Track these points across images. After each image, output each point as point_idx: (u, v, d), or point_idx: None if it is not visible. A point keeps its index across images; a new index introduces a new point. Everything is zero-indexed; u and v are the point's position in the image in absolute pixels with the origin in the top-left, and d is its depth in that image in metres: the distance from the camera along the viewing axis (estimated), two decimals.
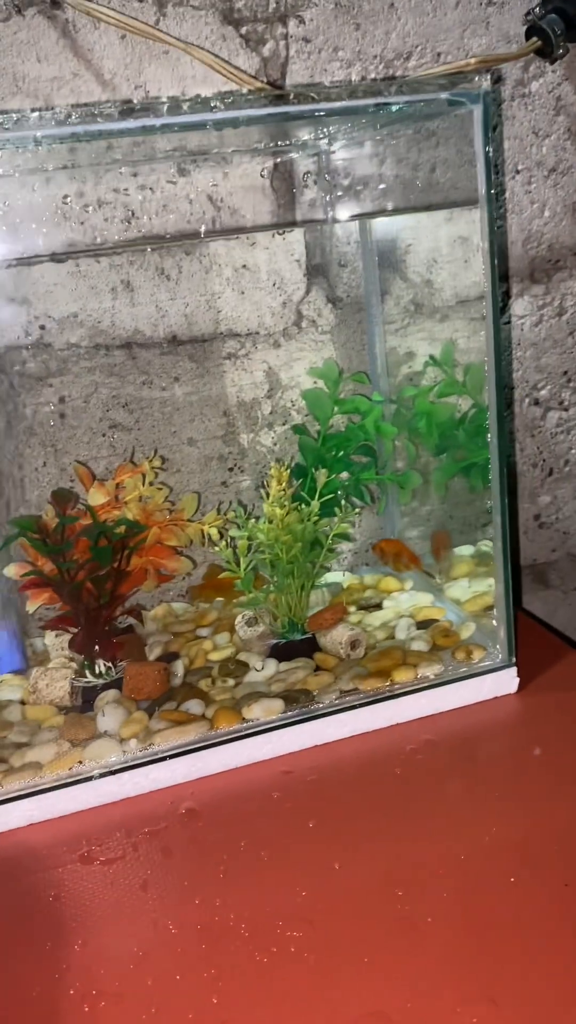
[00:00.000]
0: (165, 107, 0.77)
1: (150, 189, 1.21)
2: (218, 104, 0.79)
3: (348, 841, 0.84)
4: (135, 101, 1.10)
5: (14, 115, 0.76)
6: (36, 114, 0.74)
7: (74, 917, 0.79)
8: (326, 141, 1.24)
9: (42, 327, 1.20)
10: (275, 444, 1.32)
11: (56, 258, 1.18)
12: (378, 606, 1.20)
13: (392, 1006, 0.66)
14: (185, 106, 0.78)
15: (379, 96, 0.90)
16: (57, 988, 0.71)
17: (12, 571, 1.07)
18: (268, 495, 1.05)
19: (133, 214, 1.22)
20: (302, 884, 0.79)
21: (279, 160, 1.26)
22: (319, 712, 0.99)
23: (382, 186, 1.30)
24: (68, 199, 1.15)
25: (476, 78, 0.93)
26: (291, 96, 0.84)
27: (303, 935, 0.74)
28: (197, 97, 0.81)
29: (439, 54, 1.29)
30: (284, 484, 1.04)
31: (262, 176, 1.25)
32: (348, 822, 0.87)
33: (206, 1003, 0.68)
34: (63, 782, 0.92)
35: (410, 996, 0.67)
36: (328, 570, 1.21)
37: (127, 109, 0.78)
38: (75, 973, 0.73)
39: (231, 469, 1.32)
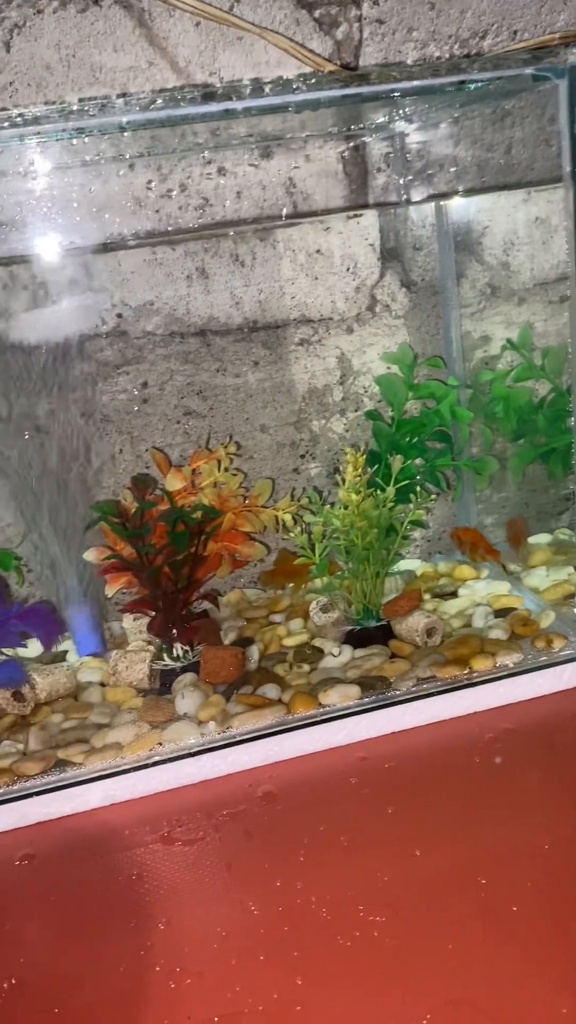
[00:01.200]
0: (248, 89, 0.77)
1: (224, 176, 1.21)
2: (300, 85, 0.78)
3: (428, 828, 0.84)
4: (217, 85, 1.10)
5: (99, 101, 0.76)
6: (121, 100, 0.75)
7: (157, 896, 0.80)
8: (401, 123, 1.22)
9: (119, 315, 1.21)
10: (347, 431, 1.32)
11: (133, 244, 1.19)
12: (453, 594, 1.19)
13: (477, 994, 0.66)
14: (267, 88, 0.78)
15: (460, 73, 0.89)
16: (143, 964, 0.72)
17: (92, 555, 1.09)
18: (344, 481, 1.04)
19: (207, 201, 1.23)
20: (383, 869, 0.79)
21: (352, 144, 1.25)
22: (396, 699, 0.98)
23: (457, 168, 1.28)
24: (151, 183, 1.16)
25: (561, 52, 0.90)
26: (372, 76, 0.83)
27: (385, 920, 0.73)
28: (279, 79, 0.81)
29: (515, 32, 1.26)
30: (360, 470, 1.03)
31: (336, 161, 1.24)
32: (427, 809, 0.86)
33: (290, 984, 0.68)
34: (143, 763, 0.93)
35: (495, 985, 0.66)
36: (403, 557, 1.20)
37: (208, 93, 0.78)
38: (159, 951, 0.74)
39: (303, 456, 1.32)
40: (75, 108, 0.74)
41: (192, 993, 0.69)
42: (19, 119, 0.71)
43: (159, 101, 0.77)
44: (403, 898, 0.76)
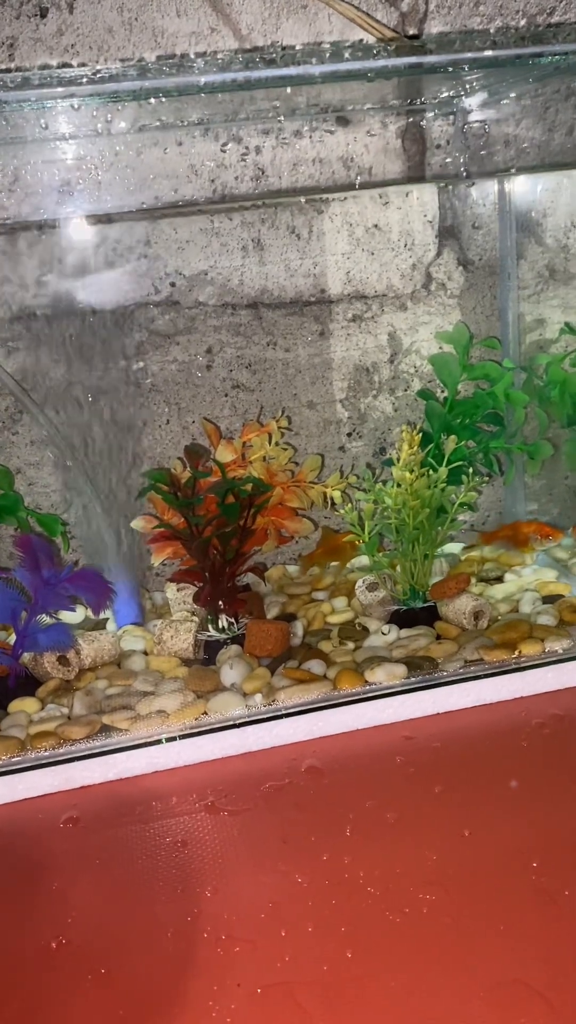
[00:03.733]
0: (328, 53, 0.76)
1: (280, 147, 1.20)
2: (381, 50, 0.77)
3: (476, 809, 0.83)
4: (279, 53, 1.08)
5: (177, 60, 0.75)
6: (201, 60, 0.73)
7: (203, 863, 0.80)
8: (464, 98, 1.20)
9: (172, 284, 1.20)
10: (395, 410, 1.30)
11: (187, 211, 1.18)
12: (499, 579, 1.18)
13: (531, 976, 0.65)
14: (347, 53, 0.77)
15: (540, 44, 0.87)
16: (190, 931, 0.72)
17: (140, 524, 1.08)
18: (397, 459, 1.03)
19: (263, 172, 1.21)
20: (431, 848, 0.78)
21: (412, 119, 1.23)
22: (443, 680, 0.98)
23: (521, 146, 1.26)
24: (226, 147, 1.15)
25: None
26: (456, 44, 0.81)
27: (435, 899, 0.73)
28: (359, 42, 0.79)
29: None
30: (415, 448, 1.02)
31: (395, 135, 1.22)
32: (475, 790, 0.86)
33: (340, 956, 0.68)
34: (188, 732, 0.93)
35: (549, 968, 0.66)
36: (452, 539, 1.19)
37: (287, 56, 0.77)
38: (207, 918, 0.74)
39: (349, 434, 1.31)
40: (151, 66, 0.73)
41: (241, 961, 0.69)
42: (97, 76, 0.70)
43: (237, 63, 0.75)
44: (453, 877, 0.75)
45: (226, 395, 1.26)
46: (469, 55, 0.81)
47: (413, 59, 0.79)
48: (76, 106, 0.78)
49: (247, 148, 1.19)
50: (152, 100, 0.76)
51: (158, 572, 1.29)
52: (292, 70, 0.76)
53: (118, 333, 1.20)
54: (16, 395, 1.15)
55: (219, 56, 1.13)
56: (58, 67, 1.13)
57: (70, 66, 1.11)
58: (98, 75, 0.73)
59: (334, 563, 1.23)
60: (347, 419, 1.30)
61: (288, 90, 0.96)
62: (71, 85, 0.73)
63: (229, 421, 1.27)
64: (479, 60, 0.86)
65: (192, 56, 1.16)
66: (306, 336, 1.26)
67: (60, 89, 0.72)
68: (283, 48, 1.19)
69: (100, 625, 1.16)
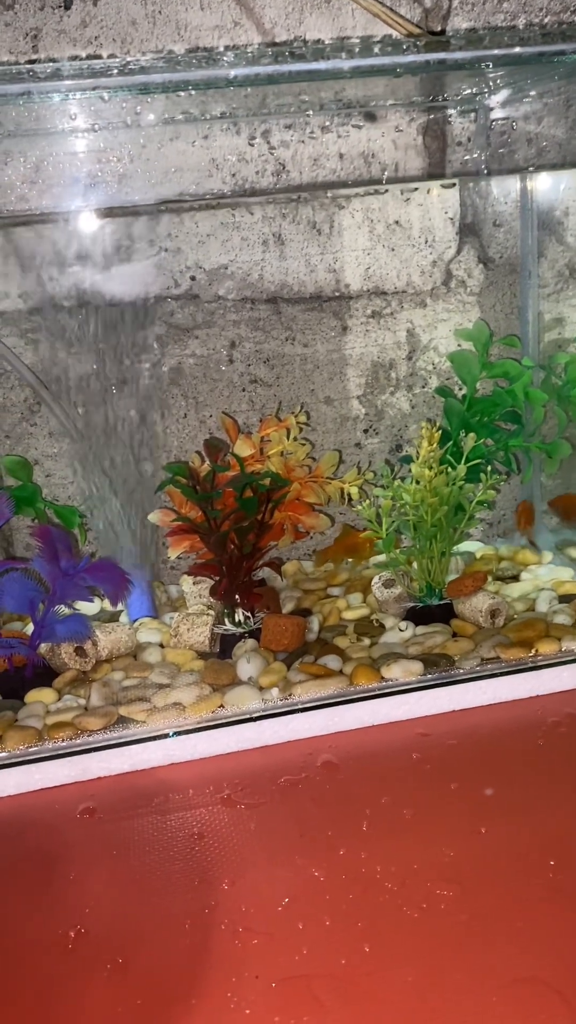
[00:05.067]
0: (357, 48, 0.75)
1: (302, 142, 1.20)
2: (411, 45, 0.76)
3: (493, 807, 0.83)
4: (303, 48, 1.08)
5: (202, 53, 0.75)
6: (231, 53, 0.73)
7: (219, 856, 0.80)
8: (485, 96, 1.19)
9: (192, 278, 1.20)
10: (412, 407, 1.30)
11: (209, 204, 1.18)
12: (515, 578, 1.17)
13: (548, 974, 0.65)
14: (376, 48, 0.76)
15: (566, 42, 0.86)
16: (208, 922, 0.73)
17: (157, 517, 1.09)
18: (417, 455, 1.03)
19: (284, 167, 1.21)
20: (448, 845, 0.79)
21: (434, 116, 1.23)
22: (459, 677, 0.98)
23: (542, 144, 1.25)
24: (254, 140, 1.15)
25: None
26: (485, 40, 0.81)
27: (453, 895, 0.73)
28: (387, 37, 0.79)
29: None
30: (435, 445, 1.02)
31: (416, 132, 1.22)
32: (491, 788, 0.86)
33: (358, 950, 0.68)
34: (205, 724, 0.93)
35: (566, 965, 0.66)
36: (470, 537, 1.19)
37: (317, 50, 0.77)
38: (224, 910, 0.74)
39: (366, 431, 1.31)
40: (181, 59, 0.73)
41: (259, 953, 0.69)
42: (129, 68, 0.70)
43: (266, 57, 0.75)
44: (470, 874, 0.75)
45: (244, 390, 1.26)
46: (497, 51, 0.81)
47: (442, 55, 0.79)
48: (106, 97, 0.78)
49: (269, 143, 1.18)
50: (182, 94, 0.76)
51: (173, 566, 1.29)
52: (322, 64, 0.76)
53: (137, 326, 1.20)
54: (33, 386, 1.15)
55: (249, 50, 1.13)
56: (86, 58, 1.13)
57: (99, 57, 1.11)
58: (128, 67, 0.73)
59: (350, 560, 1.23)
60: (364, 415, 1.30)
61: (307, 85, 0.96)
62: (100, 76, 0.73)
63: (246, 416, 1.27)
64: (507, 57, 0.86)
65: (222, 49, 1.16)
66: (325, 332, 1.26)
67: (89, 80, 0.72)
68: (306, 43, 1.19)
69: (114, 617, 1.17)
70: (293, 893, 0.75)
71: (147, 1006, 0.65)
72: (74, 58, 1.10)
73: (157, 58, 0.82)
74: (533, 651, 1.00)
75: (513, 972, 0.66)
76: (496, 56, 0.83)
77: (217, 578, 1.06)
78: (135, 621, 1.14)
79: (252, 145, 1.16)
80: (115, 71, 0.71)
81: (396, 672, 0.97)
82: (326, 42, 1.15)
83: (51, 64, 0.96)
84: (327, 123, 1.19)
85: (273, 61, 0.75)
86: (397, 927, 0.70)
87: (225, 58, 0.73)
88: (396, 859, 0.78)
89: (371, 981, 0.66)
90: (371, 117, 1.20)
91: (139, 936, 0.72)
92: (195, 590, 1.13)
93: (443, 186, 1.21)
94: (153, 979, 0.68)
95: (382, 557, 1.11)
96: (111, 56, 1.11)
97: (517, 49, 0.82)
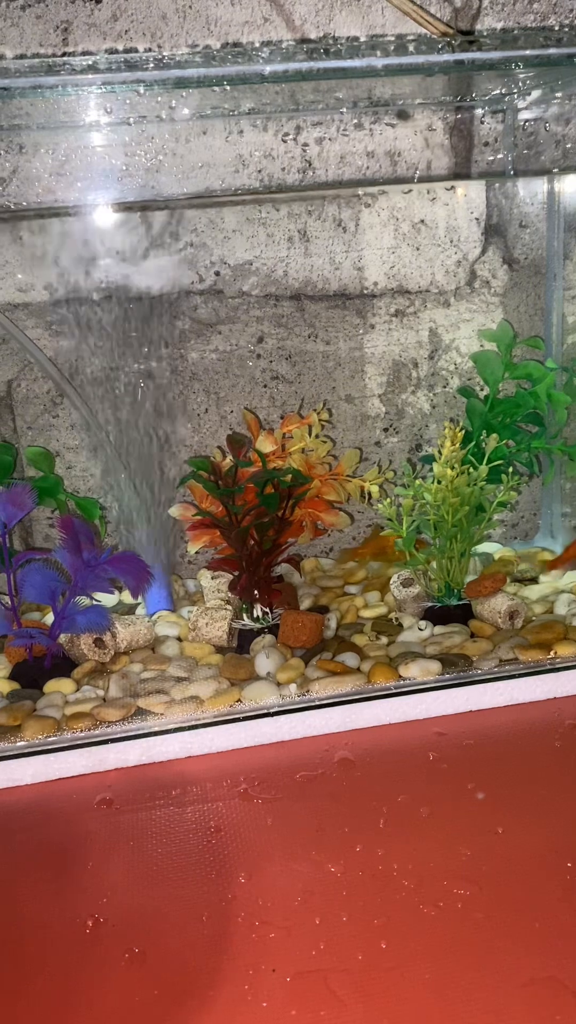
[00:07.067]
0: (392, 47, 0.75)
1: (329, 140, 1.20)
2: (445, 45, 0.76)
3: (509, 807, 0.83)
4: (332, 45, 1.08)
5: (243, 48, 0.75)
6: (268, 49, 0.73)
7: (237, 850, 0.80)
8: (515, 96, 1.19)
9: (217, 273, 1.21)
10: (433, 406, 1.30)
11: (235, 200, 1.18)
12: (534, 580, 1.17)
13: (564, 973, 0.65)
14: (411, 47, 0.76)
15: None
16: (225, 915, 0.73)
17: (177, 512, 1.09)
18: (439, 454, 1.03)
19: (310, 164, 1.21)
20: (465, 844, 0.79)
21: (461, 115, 1.22)
22: (477, 678, 0.98)
23: (569, 146, 1.25)
24: (287, 136, 1.15)
25: None
26: (519, 40, 0.81)
27: (470, 894, 0.73)
28: (419, 36, 0.79)
29: None
30: (457, 445, 1.02)
31: (443, 131, 1.22)
32: (508, 789, 0.86)
33: (375, 947, 0.69)
34: (222, 718, 0.94)
35: None
36: (489, 538, 1.19)
37: (352, 48, 0.77)
38: (241, 903, 0.74)
39: (386, 430, 1.31)
40: (217, 54, 0.73)
41: (276, 947, 0.69)
42: (169, 61, 0.70)
43: (300, 54, 0.75)
44: (487, 874, 0.75)
45: (265, 386, 1.26)
46: (529, 52, 0.80)
47: (477, 55, 0.79)
48: (142, 92, 0.79)
49: (296, 140, 1.19)
50: (217, 89, 0.76)
51: (191, 561, 1.29)
52: (356, 62, 0.76)
53: (160, 320, 1.20)
54: (55, 379, 1.15)
55: (283, 47, 1.13)
56: (109, 52, 1.13)
57: (135, 50, 1.11)
58: (163, 61, 0.74)
59: (376, 563, 1.23)
60: (384, 414, 1.30)
61: (335, 83, 0.96)
62: (135, 70, 0.73)
63: (267, 412, 1.27)
64: (538, 58, 0.86)
65: (258, 45, 1.16)
66: (347, 329, 1.26)
67: (125, 74, 0.72)
68: (335, 39, 1.19)
69: (131, 610, 1.17)
70: (310, 888, 0.75)
71: (164, 996, 0.66)
72: (112, 51, 1.10)
73: (193, 53, 0.82)
74: (551, 653, 1.00)
75: (530, 972, 0.66)
76: (527, 56, 0.82)
77: (236, 573, 1.06)
78: (153, 614, 1.15)
79: (285, 142, 1.17)
80: (151, 64, 0.71)
81: (414, 671, 0.98)
82: (361, 40, 1.15)
83: (88, 57, 0.96)
84: (355, 121, 1.19)
85: (308, 57, 0.75)
86: (414, 925, 0.71)
87: (261, 54, 0.73)
88: (413, 857, 0.78)
89: (388, 977, 0.66)
90: (401, 116, 1.20)
91: (156, 926, 0.73)
92: (213, 585, 1.13)
93: (446, 189, 1.20)
94: (170, 969, 0.68)
95: (407, 572, 1.10)
96: (147, 50, 1.12)
97: (552, 50, 0.82)
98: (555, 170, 1.24)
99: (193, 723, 0.93)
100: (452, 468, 1.02)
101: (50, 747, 0.91)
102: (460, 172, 1.25)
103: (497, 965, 0.66)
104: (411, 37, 1.13)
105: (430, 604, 1.09)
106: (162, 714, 0.94)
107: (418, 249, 1.23)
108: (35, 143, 1.14)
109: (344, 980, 0.66)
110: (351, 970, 0.67)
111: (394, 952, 0.68)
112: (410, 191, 1.22)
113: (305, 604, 1.15)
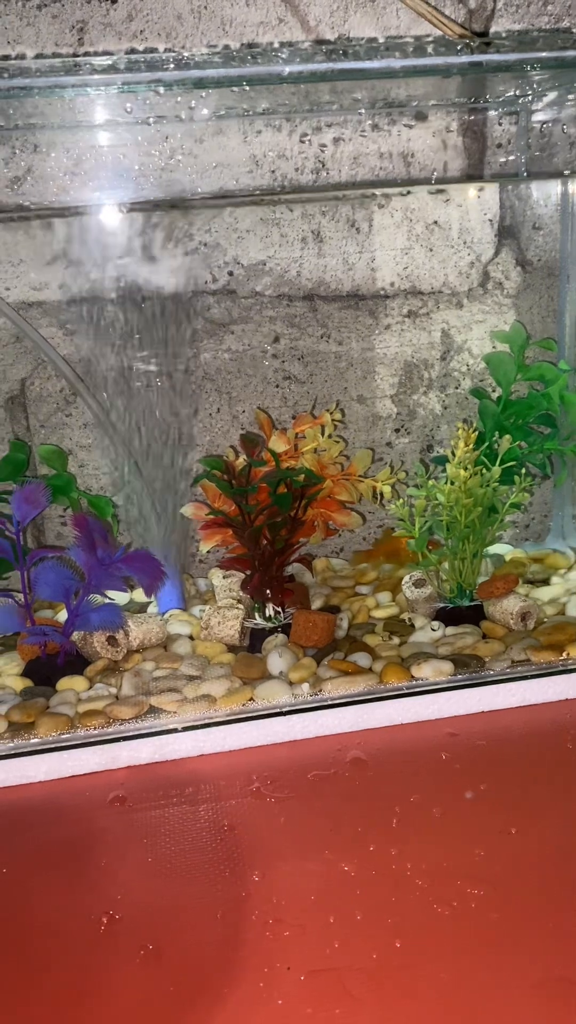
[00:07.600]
0: (411, 48, 0.76)
1: (342, 142, 1.20)
2: (464, 47, 0.77)
3: (523, 808, 0.83)
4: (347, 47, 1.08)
5: (262, 49, 0.75)
6: (286, 50, 0.74)
7: (250, 849, 0.80)
8: (529, 98, 1.19)
9: (230, 273, 1.21)
10: (444, 407, 1.30)
11: (248, 200, 1.19)
12: (545, 581, 1.17)
13: None
14: (430, 48, 0.77)
15: None
16: (239, 913, 0.73)
17: (190, 511, 1.09)
18: (453, 455, 1.03)
19: (323, 165, 1.21)
20: (478, 844, 0.79)
21: (474, 117, 1.23)
22: (489, 679, 0.98)
23: None
24: (307, 137, 1.15)
25: None
26: (537, 43, 0.81)
27: (483, 894, 0.73)
28: (439, 38, 0.79)
29: None
30: (471, 446, 1.02)
31: (456, 133, 1.22)
32: (521, 789, 0.86)
33: (389, 946, 0.69)
34: (235, 717, 0.94)
35: None
36: (501, 539, 1.19)
37: (371, 49, 0.77)
38: (255, 901, 0.74)
39: (397, 430, 1.31)
40: (236, 55, 0.73)
41: (290, 945, 0.70)
42: (188, 61, 0.71)
43: (319, 55, 0.76)
44: (500, 874, 0.75)
45: (277, 386, 1.26)
46: (545, 54, 0.80)
47: (494, 56, 0.79)
48: (162, 91, 0.79)
49: (310, 141, 1.19)
50: (235, 89, 0.76)
51: (203, 560, 1.30)
52: (376, 63, 0.76)
53: (173, 320, 1.20)
54: (67, 378, 1.16)
55: (302, 48, 1.13)
56: (128, 52, 1.14)
57: (153, 50, 1.12)
58: (183, 61, 0.74)
59: (388, 565, 1.23)
60: (395, 415, 1.30)
61: (350, 84, 0.96)
62: (155, 70, 0.73)
63: (278, 412, 1.27)
64: (554, 60, 0.86)
65: (275, 46, 1.16)
66: (360, 330, 1.26)
67: (147, 74, 0.72)
68: (350, 40, 1.19)
69: (143, 608, 1.17)
70: (324, 887, 0.75)
71: (179, 993, 0.66)
72: (131, 51, 1.11)
73: (212, 53, 0.82)
74: (564, 655, 1.00)
75: (543, 972, 0.66)
76: (544, 59, 0.82)
77: (248, 572, 1.06)
78: (165, 613, 1.15)
79: (303, 142, 1.17)
80: (171, 64, 0.72)
81: (426, 671, 0.98)
82: (380, 41, 1.16)
83: (107, 57, 0.97)
84: (369, 122, 1.20)
85: (327, 58, 0.75)
86: (428, 924, 0.71)
87: (280, 55, 0.74)
88: (426, 857, 0.78)
89: (402, 976, 0.66)
90: (419, 117, 1.20)
91: (171, 924, 0.73)
92: (225, 584, 1.13)
93: (435, 190, 1.20)
94: (185, 966, 0.68)
95: (419, 573, 1.10)
96: (167, 50, 1.12)
97: (569, 52, 0.82)
98: (568, 172, 1.24)
99: (205, 721, 0.93)
100: (465, 469, 1.02)
101: (63, 744, 0.91)
102: (473, 174, 1.25)
103: (510, 965, 0.66)
104: (428, 39, 1.13)
105: (442, 605, 1.09)
106: (174, 712, 0.94)
107: (431, 250, 1.23)
108: (49, 142, 1.14)
109: (359, 979, 0.66)
110: (366, 969, 0.67)
111: (408, 951, 0.68)
112: (424, 192, 1.22)
113: (316, 604, 1.15)
